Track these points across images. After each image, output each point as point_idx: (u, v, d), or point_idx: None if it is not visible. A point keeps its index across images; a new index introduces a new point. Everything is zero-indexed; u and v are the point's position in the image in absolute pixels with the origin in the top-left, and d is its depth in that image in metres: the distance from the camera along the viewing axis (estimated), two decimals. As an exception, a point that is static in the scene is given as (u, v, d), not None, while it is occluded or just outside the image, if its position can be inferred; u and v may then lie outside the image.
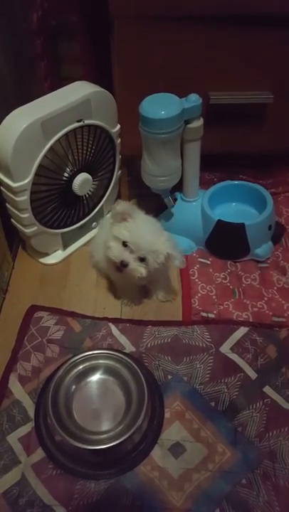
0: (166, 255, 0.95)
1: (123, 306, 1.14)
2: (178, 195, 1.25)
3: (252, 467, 0.84)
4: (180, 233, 1.18)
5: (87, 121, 1.08)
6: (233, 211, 1.27)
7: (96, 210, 1.29)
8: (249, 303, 1.12)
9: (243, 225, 1.14)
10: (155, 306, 1.14)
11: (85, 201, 1.24)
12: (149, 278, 1.00)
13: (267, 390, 0.94)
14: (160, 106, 1.00)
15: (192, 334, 1.05)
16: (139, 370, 0.93)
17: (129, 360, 0.94)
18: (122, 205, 0.99)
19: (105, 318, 1.10)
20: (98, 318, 1.10)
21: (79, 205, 1.23)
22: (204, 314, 1.10)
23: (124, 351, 1.01)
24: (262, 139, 1.21)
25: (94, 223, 1.32)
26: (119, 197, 1.40)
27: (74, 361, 0.95)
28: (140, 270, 0.95)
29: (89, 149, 1.15)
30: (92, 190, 1.22)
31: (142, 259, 0.95)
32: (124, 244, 0.95)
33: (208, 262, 1.22)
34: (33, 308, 1.11)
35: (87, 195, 1.22)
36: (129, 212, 0.96)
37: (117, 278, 1.06)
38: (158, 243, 0.94)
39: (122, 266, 0.94)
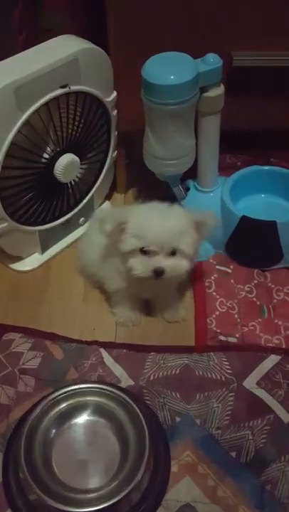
0: (196, 227, 0.97)
1: (118, 327, 1.14)
2: (191, 183, 1.26)
3: (284, 537, 0.87)
4: None
5: (73, 88, 1.08)
6: (261, 205, 1.28)
7: (85, 201, 1.29)
8: (281, 324, 1.13)
9: (274, 223, 1.14)
10: (160, 327, 1.15)
11: (70, 190, 1.24)
12: (155, 289, 1.01)
13: (304, 437, 0.95)
14: (168, 69, 1.01)
15: (208, 364, 1.06)
16: (138, 410, 0.93)
17: (125, 397, 0.95)
18: (109, 215, 1.00)
19: (95, 342, 1.10)
20: (86, 342, 1.10)
21: (62, 195, 1.23)
22: (223, 338, 1.11)
23: (120, 385, 1.01)
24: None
25: (82, 219, 1.31)
26: (114, 185, 1.42)
27: (54, 398, 0.95)
28: (182, 265, 0.97)
29: (76, 123, 1.13)
30: (79, 176, 1.22)
31: (173, 253, 0.96)
32: (143, 251, 0.96)
33: (229, 271, 1.23)
34: (1, 329, 1.11)
35: (73, 183, 1.22)
36: (121, 217, 0.97)
37: (145, 289, 1.06)
38: (178, 224, 0.96)
39: (159, 275, 0.96)
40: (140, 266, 0.97)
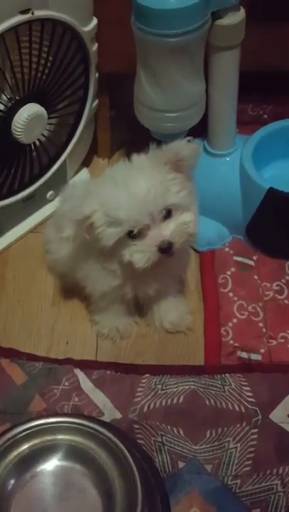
0: (173, 167, 0.98)
1: (101, 340, 1.15)
2: (199, 144, 1.24)
3: None
4: (203, 211, 1.12)
5: (38, 13, 1.07)
6: (294, 174, 1.29)
7: (54, 169, 1.29)
8: None
9: (312, 197, 1.14)
10: (157, 340, 1.15)
11: (34, 154, 1.23)
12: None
13: None
14: (168, -14, 1.00)
15: (222, 390, 1.06)
16: (127, 453, 0.92)
17: (110, 435, 0.94)
18: (60, 217, 1.02)
19: (69, 361, 1.11)
20: (56, 361, 1.11)
21: (23, 160, 1.23)
22: (244, 355, 1.12)
23: (102, 419, 1.02)
24: None
25: (50, 193, 1.31)
26: (94, 147, 1.41)
27: (13, 437, 0.95)
28: (187, 222, 0.98)
29: (42, 62, 1.14)
30: (47, 134, 1.21)
31: (168, 214, 0.97)
32: (132, 235, 0.96)
33: (252, 263, 1.23)
34: None
35: (38, 144, 1.22)
36: (78, 213, 0.96)
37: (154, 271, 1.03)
38: (149, 180, 0.96)
39: (169, 251, 0.97)
40: (140, 254, 0.97)
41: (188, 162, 1.00)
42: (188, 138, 1.02)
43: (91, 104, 1.28)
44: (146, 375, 1.09)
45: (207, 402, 1.05)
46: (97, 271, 1.06)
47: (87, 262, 1.06)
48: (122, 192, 0.95)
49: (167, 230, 0.97)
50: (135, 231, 0.96)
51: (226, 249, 1.26)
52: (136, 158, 1.00)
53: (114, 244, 0.97)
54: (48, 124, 1.20)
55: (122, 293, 1.08)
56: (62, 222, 1.02)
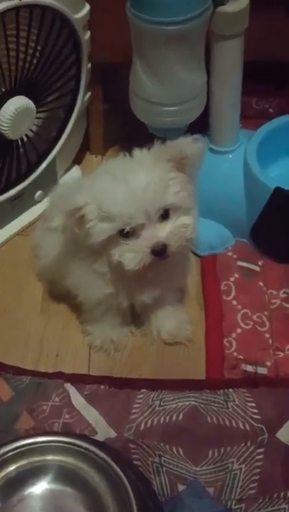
0: (176, 165, 0.98)
1: (94, 353, 1.15)
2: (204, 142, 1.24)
3: None
4: (204, 213, 1.16)
5: (26, -2, 1.07)
6: (303, 172, 1.29)
7: (43, 167, 1.29)
8: None
9: None
10: (155, 352, 1.15)
11: (21, 151, 1.24)
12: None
13: None
14: None
15: (225, 406, 1.06)
16: (122, 475, 0.91)
17: (103, 455, 0.93)
18: (52, 205, 1.01)
19: (59, 375, 1.11)
20: (46, 375, 1.11)
21: (10, 158, 1.23)
22: (248, 368, 1.12)
23: (95, 438, 1.01)
24: None
25: (39, 193, 1.32)
26: (86, 143, 1.42)
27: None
28: (184, 224, 0.98)
29: (30, 52, 1.14)
30: (35, 129, 1.22)
31: (165, 215, 0.97)
32: (124, 233, 0.96)
33: (257, 269, 1.23)
34: None
35: (25, 140, 1.22)
36: (71, 202, 0.96)
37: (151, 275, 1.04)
38: (150, 176, 0.96)
39: (163, 253, 0.96)
40: (131, 255, 0.97)
41: (192, 161, 1.00)
42: (195, 136, 1.02)
43: (83, 96, 1.28)
44: (143, 390, 1.09)
45: (209, 420, 1.05)
46: (87, 275, 1.05)
47: (75, 261, 1.06)
48: (119, 185, 0.95)
49: (163, 232, 0.97)
50: (128, 229, 0.96)
51: (229, 253, 1.26)
52: (138, 152, 1.01)
53: (104, 242, 0.97)
54: (37, 118, 1.20)
55: (116, 302, 1.08)
56: (51, 215, 1.00)
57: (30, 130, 1.21)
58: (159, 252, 0.96)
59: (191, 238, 0.99)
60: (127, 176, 0.96)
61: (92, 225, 0.96)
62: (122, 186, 0.95)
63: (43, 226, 1.03)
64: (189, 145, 0.99)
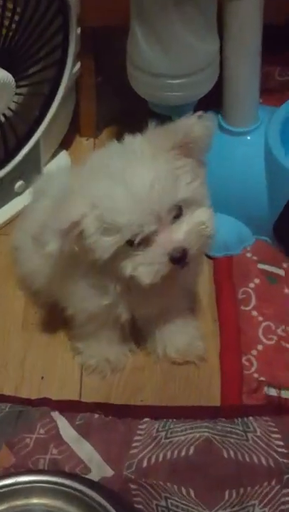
0: (183, 151, 0.94)
1: (86, 375, 1.11)
2: (214, 119, 1.18)
3: None
4: (217, 206, 1.10)
5: None
6: None
7: (24, 152, 1.26)
8: None
9: None
10: (160, 373, 1.12)
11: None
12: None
13: None
14: None
15: (244, 438, 1.03)
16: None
17: (98, 497, 0.91)
18: (42, 226, 0.93)
19: (45, 402, 1.07)
20: (29, 402, 1.07)
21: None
22: (272, 392, 1.07)
23: (89, 477, 0.97)
24: None
25: (19, 183, 1.29)
26: (76, 124, 1.39)
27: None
28: (202, 221, 0.94)
29: (8, 15, 1.10)
30: (14, 107, 1.19)
31: (179, 213, 0.93)
32: (131, 243, 0.91)
33: (282, 273, 1.19)
34: None
35: (2, 120, 1.18)
36: (64, 220, 0.91)
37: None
38: (154, 169, 0.91)
39: (183, 260, 0.92)
40: (147, 268, 0.93)
41: (201, 144, 0.96)
42: (200, 113, 0.96)
43: (71, 68, 1.24)
44: (146, 420, 1.06)
45: (225, 454, 1.01)
46: (84, 288, 1.03)
47: (72, 277, 1.02)
48: (117, 188, 0.89)
49: (180, 233, 0.93)
50: (138, 240, 0.89)
51: (248, 254, 1.22)
52: (130, 140, 0.94)
53: (111, 256, 0.91)
54: (16, 94, 1.18)
55: (114, 314, 1.02)
56: (42, 234, 0.94)
57: (9, 108, 1.17)
58: (179, 258, 0.92)
59: (211, 235, 0.94)
60: (124, 174, 0.89)
61: (94, 240, 0.90)
62: (119, 188, 0.89)
63: (37, 251, 0.98)
64: (195, 125, 0.95)
